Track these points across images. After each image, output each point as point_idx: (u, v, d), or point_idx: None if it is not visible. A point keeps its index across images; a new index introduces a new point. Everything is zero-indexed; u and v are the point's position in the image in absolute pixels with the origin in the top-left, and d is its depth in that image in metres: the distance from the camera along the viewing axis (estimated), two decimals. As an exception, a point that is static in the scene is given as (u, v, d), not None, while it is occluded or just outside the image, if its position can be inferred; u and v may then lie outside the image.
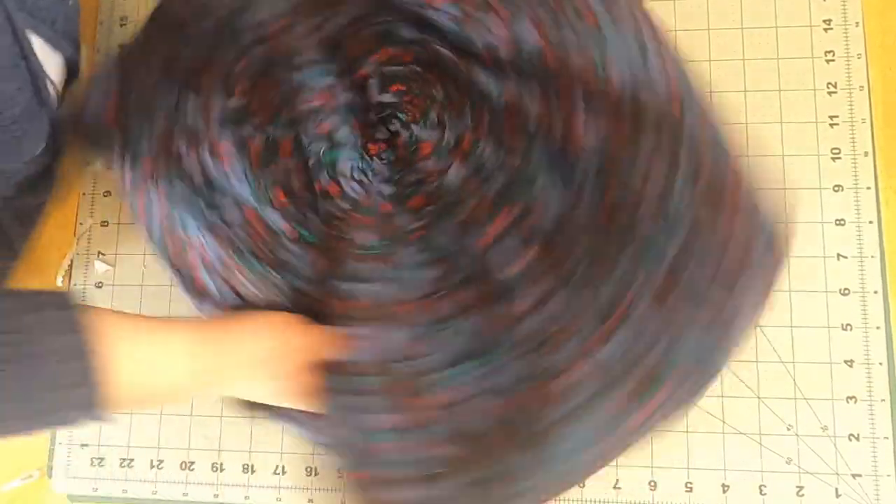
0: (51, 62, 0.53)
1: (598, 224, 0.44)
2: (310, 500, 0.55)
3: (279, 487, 0.56)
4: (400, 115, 0.51)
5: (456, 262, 0.47)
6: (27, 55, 0.49)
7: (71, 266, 0.61)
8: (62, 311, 0.39)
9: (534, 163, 0.46)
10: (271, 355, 0.46)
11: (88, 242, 0.61)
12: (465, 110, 0.50)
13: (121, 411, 0.41)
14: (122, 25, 0.64)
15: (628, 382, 0.42)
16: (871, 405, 0.52)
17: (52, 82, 0.53)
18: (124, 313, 0.43)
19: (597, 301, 0.43)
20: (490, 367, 0.44)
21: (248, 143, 0.49)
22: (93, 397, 0.38)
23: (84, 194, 0.62)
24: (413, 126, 0.50)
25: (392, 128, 0.51)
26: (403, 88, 0.51)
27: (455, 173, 0.49)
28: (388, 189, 0.50)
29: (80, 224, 0.61)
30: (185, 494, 0.57)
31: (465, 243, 0.47)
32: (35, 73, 0.51)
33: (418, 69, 0.51)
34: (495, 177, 0.47)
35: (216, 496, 0.56)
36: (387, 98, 0.51)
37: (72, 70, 0.57)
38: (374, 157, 0.51)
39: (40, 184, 0.58)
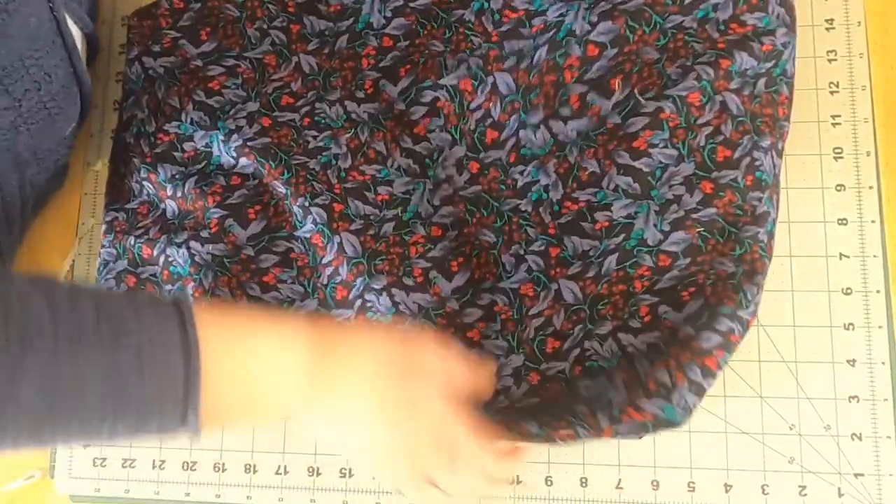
0: (77, 38, 0.54)
1: None
2: (312, 501, 0.55)
3: (281, 488, 0.56)
4: None
5: None
6: (62, 30, 0.50)
7: (73, 267, 0.61)
8: (171, 310, 0.36)
9: None
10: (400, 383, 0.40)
11: (90, 243, 0.61)
12: None
13: (221, 428, 0.38)
14: (122, 25, 0.64)
15: None
16: (873, 405, 0.52)
17: (80, 58, 0.53)
18: (235, 315, 0.39)
19: None
20: None
21: None
22: (191, 409, 0.35)
23: (86, 194, 0.62)
24: None
25: None
26: None
27: None
28: None
29: (82, 224, 0.61)
30: (187, 495, 0.57)
31: None
32: (70, 50, 0.51)
33: None
34: None
35: (218, 496, 0.56)
36: None
37: (92, 46, 0.58)
38: None
39: (62, 171, 0.58)
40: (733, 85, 0.51)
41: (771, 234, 0.50)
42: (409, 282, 0.52)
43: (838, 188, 0.55)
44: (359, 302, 0.53)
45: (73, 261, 0.61)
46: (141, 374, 0.34)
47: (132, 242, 0.57)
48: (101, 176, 0.62)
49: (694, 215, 0.50)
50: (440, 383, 0.42)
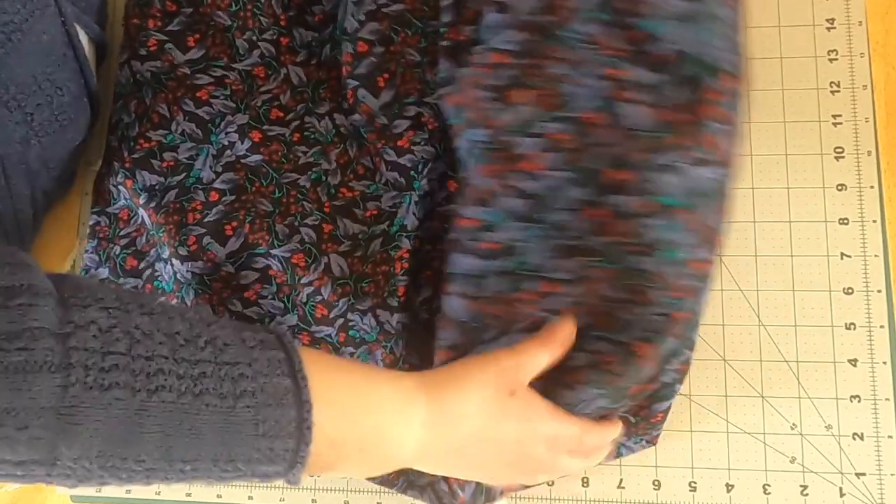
0: (85, 44, 0.54)
1: None
2: (313, 501, 0.55)
3: (282, 488, 0.56)
4: None
5: None
6: (75, 45, 0.50)
7: (73, 267, 0.61)
8: (279, 350, 0.36)
9: None
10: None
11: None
12: None
13: (328, 469, 0.38)
14: (123, 25, 0.64)
15: None
16: (875, 404, 0.52)
17: (91, 71, 0.54)
18: (339, 358, 0.42)
19: None
20: None
21: None
22: (299, 453, 0.35)
23: (86, 195, 0.62)
24: None
25: None
26: None
27: None
28: None
29: (83, 224, 0.61)
30: (188, 495, 0.56)
31: None
32: (82, 62, 0.52)
33: None
34: None
35: (219, 497, 0.56)
36: None
37: (101, 50, 0.58)
38: None
39: (71, 178, 0.59)
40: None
41: (672, 263, 0.46)
42: (393, 302, 0.53)
43: (839, 188, 0.55)
44: (340, 321, 0.54)
45: (74, 261, 0.61)
46: (256, 428, 0.34)
47: (117, 252, 0.57)
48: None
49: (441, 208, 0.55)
50: (537, 411, 0.43)
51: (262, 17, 0.59)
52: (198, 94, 0.58)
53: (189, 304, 0.54)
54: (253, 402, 0.34)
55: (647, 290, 0.45)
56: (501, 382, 0.42)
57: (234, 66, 0.59)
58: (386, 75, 0.57)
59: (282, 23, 0.60)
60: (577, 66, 0.48)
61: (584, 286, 0.46)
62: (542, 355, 0.44)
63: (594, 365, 0.45)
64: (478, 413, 0.41)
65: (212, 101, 0.58)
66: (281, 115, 0.58)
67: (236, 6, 0.59)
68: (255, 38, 0.59)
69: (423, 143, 0.55)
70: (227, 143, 0.57)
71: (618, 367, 0.45)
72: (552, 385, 0.44)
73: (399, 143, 0.56)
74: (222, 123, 0.57)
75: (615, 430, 0.47)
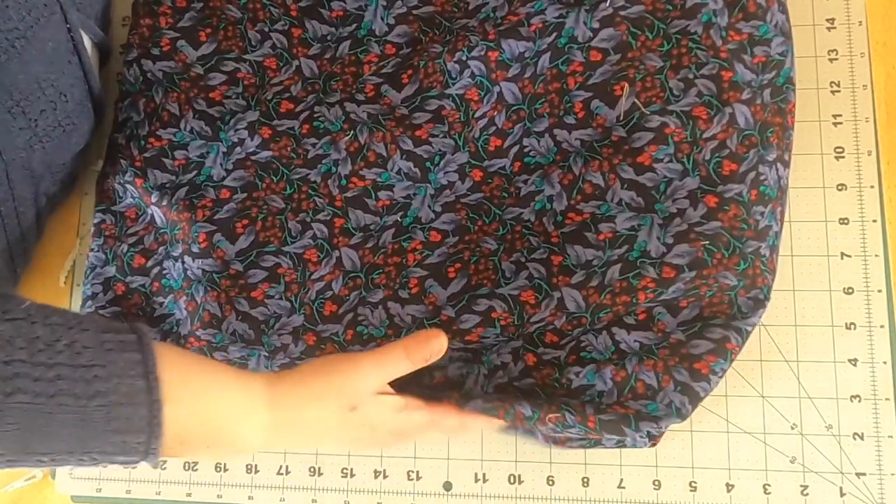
0: (87, 47, 0.54)
1: None
2: (313, 501, 0.55)
3: (282, 488, 0.56)
4: None
5: None
6: (79, 51, 0.50)
7: (74, 267, 0.61)
8: (136, 352, 0.39)
9: None
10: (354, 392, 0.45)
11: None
12: None
13: (180, 457, 0.43)
14: (123, 25, 0.64)
15: None
16: (875, 404, 0.52)
17: (96, 76, 0.54)
18: (197, 357, 0.44)
19: None
20: None
21: None
22: (150, 446, 0.38)
23: (86, 194, 0.62)
24: None
25: None
26: None
27: None
28: None
29: (83, 224, 0.61)
30: (188, 495, 0.56)
31: None
32: (86, 68, 0.52)
33: None
34: None
35: (219, 497, 0.56)
36: None
37: (103, 52, 0.58)
38: None
39: (74, 181, 0.59)
40: (744, 95, 0.51)
41: (773, 249, 0.50)
42: (404, 294, 0.53)
43: (840, 188, 0.55)
44: (349, 316, 0.53)
45: (74, 261, 0.61)
46: (108, 424, 0.37)
47: (124, 250, 0.57)
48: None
49: (698, 228, 0.49)
50: (380, 416, 0.46)
51: (272, 8, 0.59)
52: (211, 95, 0.58)
53: (199, 301, 0.54)
54: (106, 402, 0.37)
55: (763, 275, 0.50)
56: (343, 399, 0.44)
57: (245, 56, 0.59)
58: (410, 71, 0.56)
59: (292, 13, 0.60)
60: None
61: (695, 272, 0.49)
62: (401, 363, 0.46)
63: (718, 352, 0.48)
64: (316, 421, 0.44)
65: (224, 101, 0.58)
66: (291, 106, 0.58)
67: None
68: (266, 29, 0.59)
69: (442, 135, 0.55)
70: (236, 139, 0.56)
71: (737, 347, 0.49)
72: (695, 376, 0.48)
73: (417, 132, 0.55)
74: (232, 121, 0.57)
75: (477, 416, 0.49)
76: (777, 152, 0.51)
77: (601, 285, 0.50)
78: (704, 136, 0.50)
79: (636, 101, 0.51)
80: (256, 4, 0.59)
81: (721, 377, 0.49)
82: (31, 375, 0.36)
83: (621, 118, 0.52)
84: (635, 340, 0.50)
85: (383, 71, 0.57)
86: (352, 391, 0.44)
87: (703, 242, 0.49)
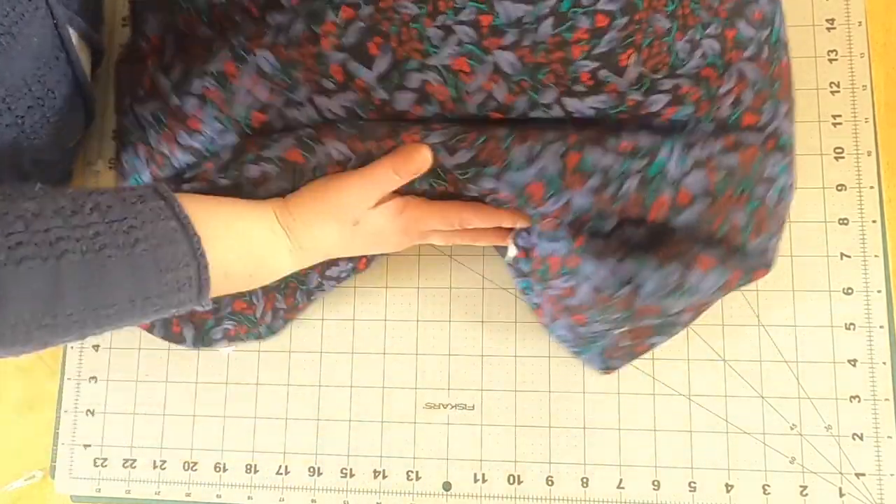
0: (77, 44, 0.54)
1: None
2: (313, 501, 0.55)
3: (282, 488, 0.56)
4: None
5: None
6: (67, 47, 0.50)
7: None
8: (159, 200, 0.42)
9: None
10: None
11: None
12: None
13: (226, 292, 0.46)
14: (123, 26, 0.64)
15: None
16: (874, 404, 0.52)
17: (84, 72, 0.54)
18: (213, 197, 0.46)
19: None
20: None
21: None
22: (201, 276, 0.42)
23: (86, 194, 0.62)
24: None
25: None
26: None
27: None
28: None
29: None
30: (187, 495, 0.57)
31: None
32: (74, 64, 0.52)
33: None
34: None
35: (219, 497, 0.56)
36: None
37: (97, 52, 0.58)
38: None
39: (66, 178, 0.59)
40: (748, 53, 0.49)
41: (780, 199, 0.50)
42: (579, 88, 0.48)
43: (839, 188, 0.55)
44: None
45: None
46: (157, 265, 0.40)
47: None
48: (102, 176, 0.62)
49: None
50: (386, 221, 0.50)
51: (236, 17, 0.51)
52: (188, 123, 0.51)
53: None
54: (148, 246, 0.40)
55: (767, 222, 0.49)
56: (341, 217, 0.48)
57: (207, 68, 0.50)
58: (378, 39, 0.47)
59: (253, 13, 0.51)
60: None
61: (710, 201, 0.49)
62: (390, 178, 0.48)
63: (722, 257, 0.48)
64: (327, 239, 0.49)
65: (203, 128, 0.51)
66: (263, 118, 0.50)
67: (208, 18, 0.53)
68: (228, 35, 0.50)
69: (434, 119, 0.49)
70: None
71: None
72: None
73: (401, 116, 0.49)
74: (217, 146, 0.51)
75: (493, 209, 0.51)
76: (788, 104, 0.50)
77: (534, 43, 0.46)
78: (720, 91, 0.48)
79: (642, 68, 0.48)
80: (220, 13, 0.52)
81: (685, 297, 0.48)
82: (73, 237, 0.38)
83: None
84: (589, 107, 0.48)
85: (343, 41, 0.47)
86: (347, 209, 0.48)
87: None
